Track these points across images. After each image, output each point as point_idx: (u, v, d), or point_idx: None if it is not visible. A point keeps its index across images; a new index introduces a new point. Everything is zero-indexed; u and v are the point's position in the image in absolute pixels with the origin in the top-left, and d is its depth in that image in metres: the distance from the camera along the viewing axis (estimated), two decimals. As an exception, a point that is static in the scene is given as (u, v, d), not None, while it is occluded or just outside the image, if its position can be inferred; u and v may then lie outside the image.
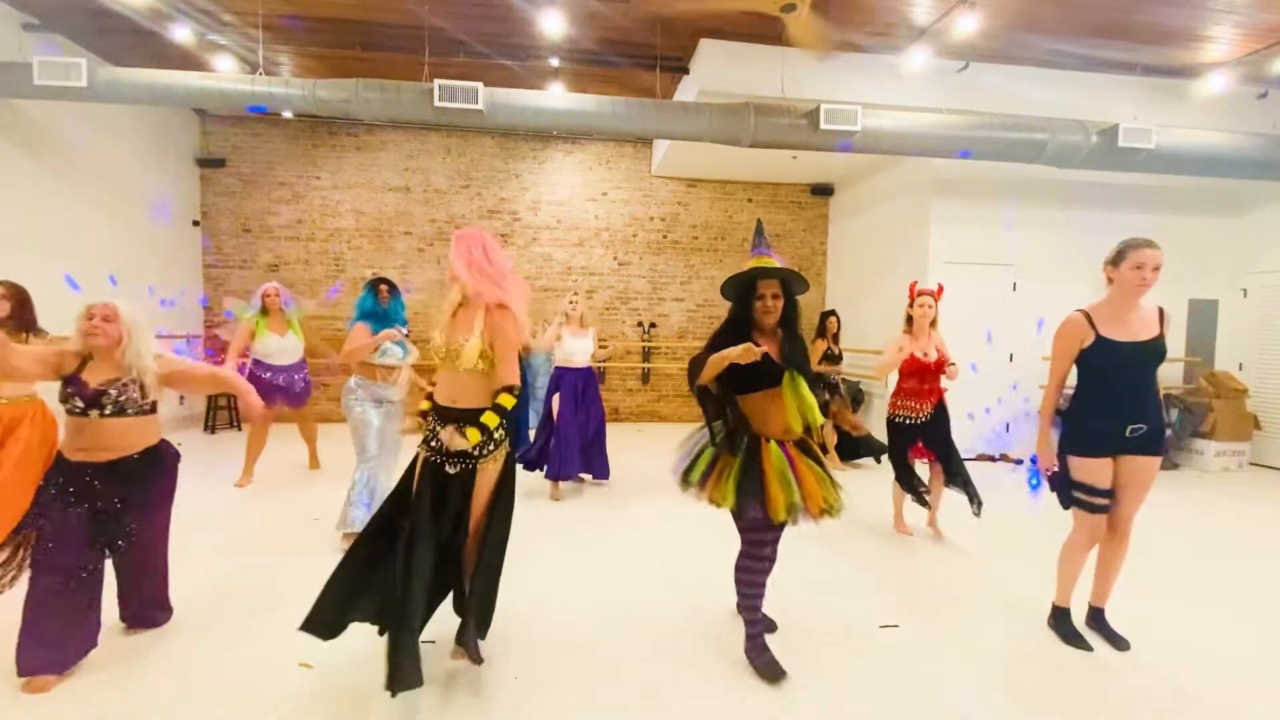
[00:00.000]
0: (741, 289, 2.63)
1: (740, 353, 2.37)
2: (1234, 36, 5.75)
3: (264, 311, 5.31)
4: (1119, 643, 2.94)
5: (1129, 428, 2.73)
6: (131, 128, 7.22)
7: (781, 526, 2.60)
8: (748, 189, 9.49)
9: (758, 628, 2.75)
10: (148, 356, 2.63)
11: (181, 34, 6.00)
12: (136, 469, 2.66)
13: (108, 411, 2.56)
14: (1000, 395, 7.12)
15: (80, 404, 2.55)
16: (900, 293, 5.06)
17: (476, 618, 2.54)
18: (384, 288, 4.10)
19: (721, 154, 7.07)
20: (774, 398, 2.55)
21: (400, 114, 5.72)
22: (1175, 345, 7.54)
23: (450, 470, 2.52)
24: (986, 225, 7.20)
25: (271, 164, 8.57)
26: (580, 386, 5.39)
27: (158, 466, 2.76)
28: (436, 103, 5.39)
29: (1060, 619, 3.06)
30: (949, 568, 3.90)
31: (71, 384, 2.55)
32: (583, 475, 5.56)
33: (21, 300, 3.55)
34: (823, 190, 9.56)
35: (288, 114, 7.90)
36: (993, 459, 7.18)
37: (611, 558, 3.97)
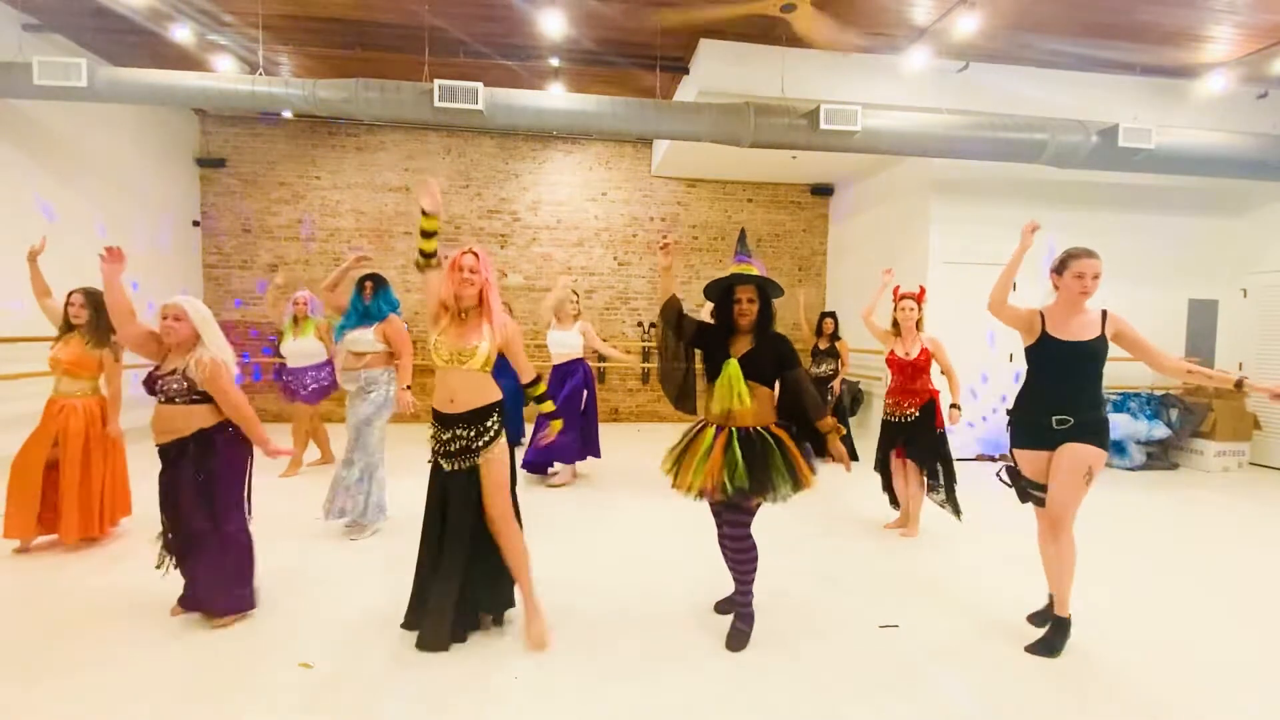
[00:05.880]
0: (720, 293, 2.90)
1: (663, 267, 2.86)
2: (1234, 36, 5.76)
3: (294, 318, 5.54)
4: (1049, 649, 2.84)
5: (1055, 419, 2.86)
6: (131, 128, 7.22)
7: (726, 505, 2.80)
8: (748, 189, 9.49)
9: (745, 606, 2.94)
10: (209, 353, 2.85)
11: (181, 34, 6.01)
12: (185, 449, 2.87)
13: (161, 399, 2.86)
14: (1000, 395, 7.12)
15: (146, 389, 2.89)
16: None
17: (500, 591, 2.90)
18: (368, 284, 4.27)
19: (721, 154, 7.07)
20: (715, 386, 2.81)
21: (400, 114, 5.72)
22: (1175, 345, 7.55)
23: (447, 467, 2.74)
24: (986, 225, 7.19)
25: (271, 164, 8.57)
26: (560, 379, 5.56)
27: (205, 447, 2.88)
28: (436, 103, 5.40)
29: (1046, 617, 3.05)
30: (950, 568, 3.90)
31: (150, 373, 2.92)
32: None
33: (98, 307, 3.66)
34: (823, 190, 9.56)
35: (288, 114, 7.90)
36: (992, 459, 7.18)
37: (610, 557, 3.96)
